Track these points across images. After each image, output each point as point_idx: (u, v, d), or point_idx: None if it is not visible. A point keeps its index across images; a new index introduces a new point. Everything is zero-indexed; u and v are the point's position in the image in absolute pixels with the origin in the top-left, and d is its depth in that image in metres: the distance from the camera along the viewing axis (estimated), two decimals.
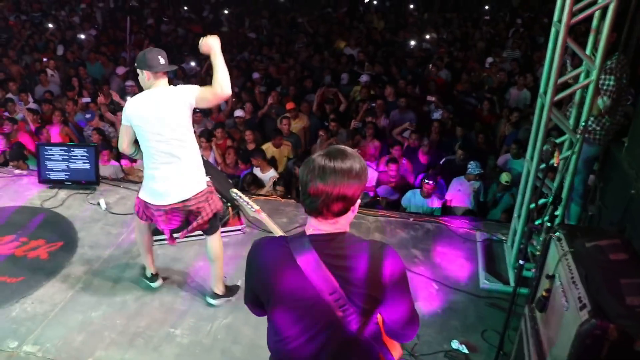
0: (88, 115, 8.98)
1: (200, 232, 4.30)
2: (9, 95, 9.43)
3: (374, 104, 8.91)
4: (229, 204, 5.02)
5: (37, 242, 5.22)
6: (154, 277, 4.56)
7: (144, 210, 4.11)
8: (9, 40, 13.23)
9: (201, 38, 3.73)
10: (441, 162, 7.71)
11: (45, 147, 6.07)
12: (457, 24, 14.84)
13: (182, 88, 3.75)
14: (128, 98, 8.42)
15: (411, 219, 5.80)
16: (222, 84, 3.63)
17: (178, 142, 3.79)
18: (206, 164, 5.34)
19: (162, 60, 3.74)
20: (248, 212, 3.29)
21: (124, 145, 3.94)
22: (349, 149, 1.91)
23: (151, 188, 3.94)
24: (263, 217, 3.13)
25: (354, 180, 1.84)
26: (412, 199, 6.77)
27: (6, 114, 8.71)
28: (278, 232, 2.75)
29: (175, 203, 3.93)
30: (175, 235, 4.27)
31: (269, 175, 7.11)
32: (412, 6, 17.53)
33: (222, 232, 5.09)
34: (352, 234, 1.99)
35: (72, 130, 8.65)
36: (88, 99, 9.32)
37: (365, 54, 11.94)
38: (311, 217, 1.93)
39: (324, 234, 1.93)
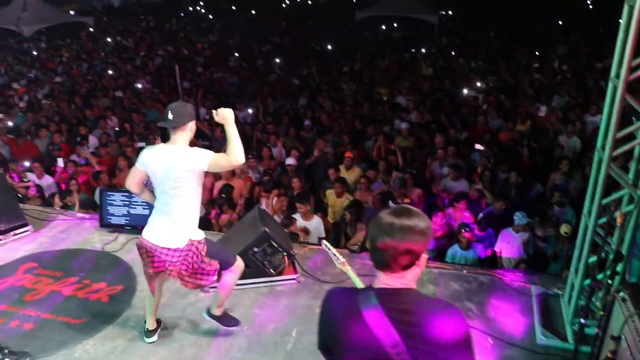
0: None
1: (254, 279, 4.39)
2: (78, 139, 9.94)
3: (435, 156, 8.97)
4: (284, 254, 5.11)
5: (99, 285, 5.41)
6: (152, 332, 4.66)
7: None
8: (74, 88, 13.97)
9: (215, 110, 3.92)
10: (483, 215, 7.63)
11: (108, 193, 6.35)
12: (506, 72, 14.86)
13: (196, 153, 3.88)
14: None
15: (464, 271, 5.76)
16: (237, 154, 3.80)
17: (178, 197, 3.95)
18: (264, 213, 5.51)
19: (170, 115, 3.88)
20: (334, 263, 3.40)
21: (129, 183, 4.21)
22: (413, 209, 2.05)
23: (149, 225, 4.16)
24: (348, 269, 3.25)
25: (419, 237, 1.98)
26: (457, 252, 6.75)
27: (75, 157, 9.19)
28: (360, 285, 2.84)
29: (157, 245, 4.07)
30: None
31: (312, 223, 7.16)
32: (453, 52, 17.70)
33: (277, 281, 5.25)
34: (419, 291, 2.08)
35: None
36: (143, 144, 9.68)
37: (413, 101, 12.08)
38: (379, 271, 2.05)
39: (390, 289, 2.04)
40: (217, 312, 4.55)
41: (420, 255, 2.03)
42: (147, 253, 4.16)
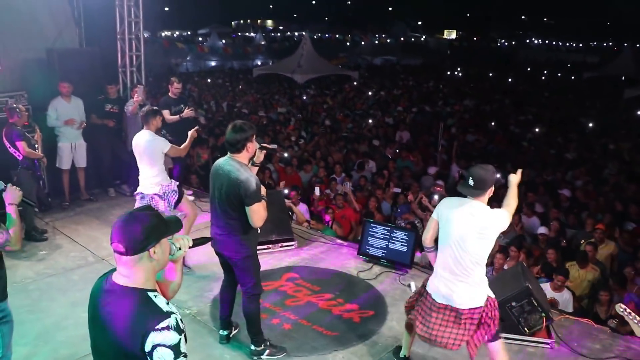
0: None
1: (505, 334, 4.30)
2: (333, 175, 10.87)
3: None
4: (543, 315, 4.91)
5: (352, 306, 5.77)
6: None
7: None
8: (336, 131, 15.35)
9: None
10: None
11: (372, 224, 6.80)
12: None
13: (497, 214, 3.81)
14: (435, 197, 8.97)
15: None
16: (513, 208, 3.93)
17: (469, 256, 3.84)
18: (526, 270, 5.41)
19: (470, 181, 3.83)
20: (635, 331, 3.19)
21: (425, 236, 4.23)
22: None
23: (433, 282, 4.12)
24: None
25: None
26: None
27: (327, 191, 10.05)
28: None
29: (445, 304, 4.00)
30: None
31: (562, 296, 6.75)
32: None
33: (529, 342, 5.05)
34: None
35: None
36: (398, 190, 10.15)
37: None
38: None
39: None
40: None
41: None
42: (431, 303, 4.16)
